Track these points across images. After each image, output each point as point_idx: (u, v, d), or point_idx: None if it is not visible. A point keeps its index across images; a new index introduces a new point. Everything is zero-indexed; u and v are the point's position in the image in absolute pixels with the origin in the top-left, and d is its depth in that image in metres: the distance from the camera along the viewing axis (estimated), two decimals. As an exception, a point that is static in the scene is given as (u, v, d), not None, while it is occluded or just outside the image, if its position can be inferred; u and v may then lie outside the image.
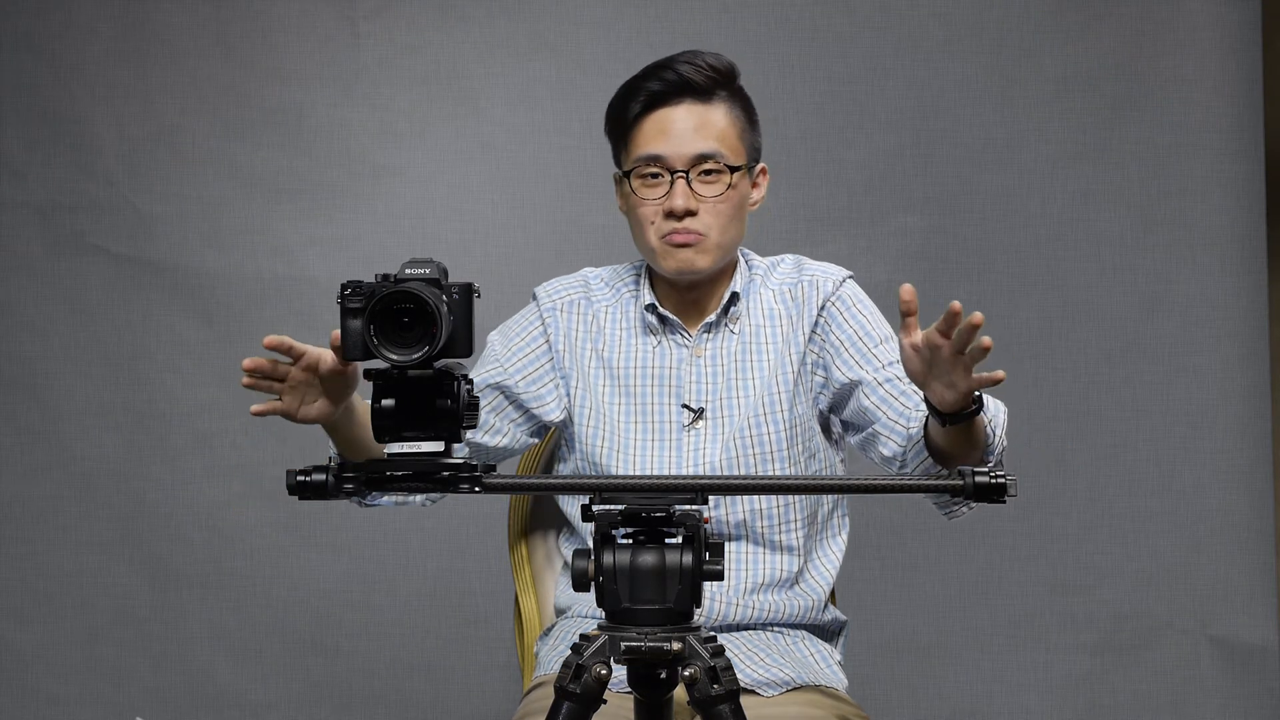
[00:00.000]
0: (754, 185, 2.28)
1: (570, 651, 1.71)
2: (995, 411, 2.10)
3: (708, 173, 2.21)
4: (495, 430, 2.27)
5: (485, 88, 3.45)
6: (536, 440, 2.33)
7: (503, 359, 2.29)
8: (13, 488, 3.40)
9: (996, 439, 2.08)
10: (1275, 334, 3.48)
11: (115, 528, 3.40)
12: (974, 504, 1.96)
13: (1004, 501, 1.68)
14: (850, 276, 2.32)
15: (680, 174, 2.20)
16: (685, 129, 2.21)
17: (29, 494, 3.40)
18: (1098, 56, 3.45)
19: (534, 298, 2.35)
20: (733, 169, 2.22)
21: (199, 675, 3.39)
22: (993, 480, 1.67)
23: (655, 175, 2.22)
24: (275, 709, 3.40)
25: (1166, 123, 3.45)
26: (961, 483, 1.68)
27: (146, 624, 3.40)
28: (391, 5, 3.45)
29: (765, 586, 2.25)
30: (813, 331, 2.27)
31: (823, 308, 2.28)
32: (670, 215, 2.20)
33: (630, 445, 2.24)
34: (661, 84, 2.23)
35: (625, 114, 2.26)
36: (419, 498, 2.17)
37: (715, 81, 2.23)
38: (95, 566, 3.40)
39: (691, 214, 2.20)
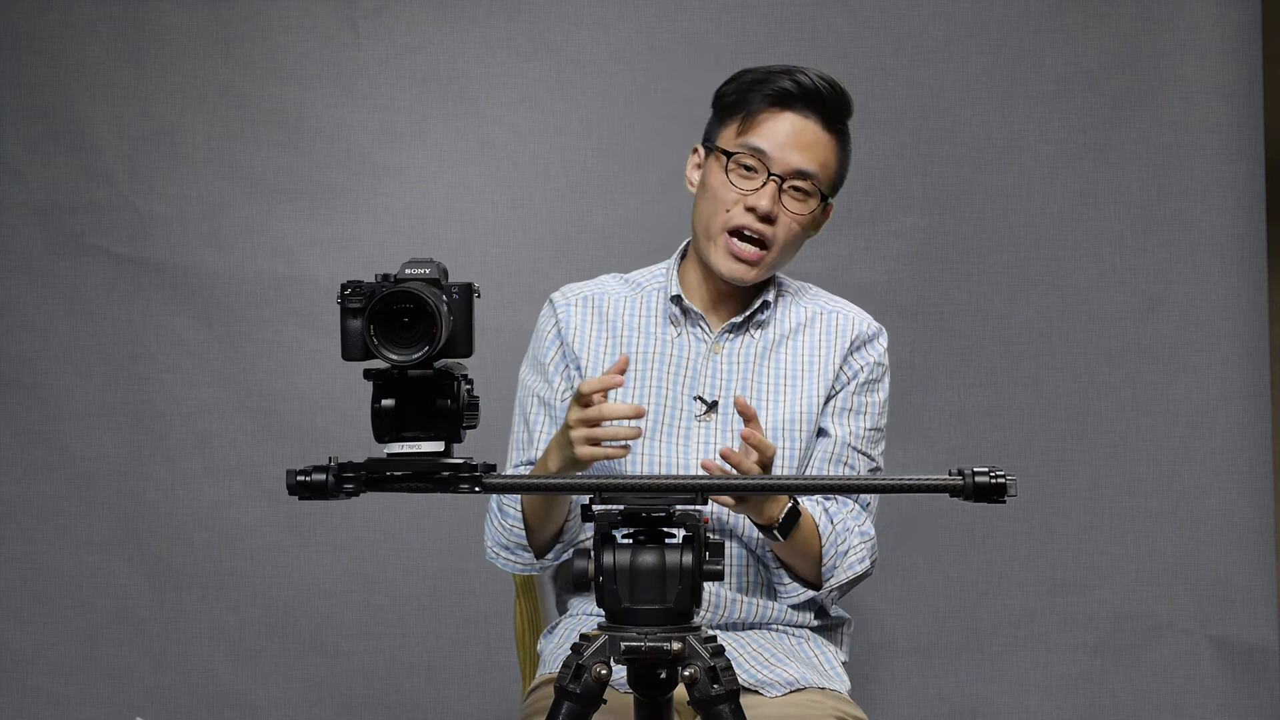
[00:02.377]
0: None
1: (570, 651, 1.71)
2: (837, 547, 2.22)
3: (799, 189, 2.23)
4: None
5: (485, 88, 3.45)
6: None
7: (540, 378, 2.32)
8: (13, 488, 3.40)
9: (833, 565, 2.21)
10: (1275, 334, 3.48)
11: (115, 528, 3.40)
12: (802, 593, 2.24)
13: (1004, 501, 1.68)
14: (883, 331, 2.37)
15: (775, 178, 2.22)
16: (800, 141, 2.24)
17: (29, 494, 3.40)
18: (1098, 56, 3.45)
19: (550, 302, 2.37)
20: (823, 196, 2.25)
21: (199, 675, 3.39)
22: (993, 480, 1.67)
23: (751, 168, 2.23)
24: (275, 709, 3.40)
25: (1166, 123, 3.45)
26: (961, 482, 1.68)
27: (146, 624, 3.40)
28: (391, 5, 3.45)
29: (764, 586, 2.26)
30: (840, 368, 2.29)
31: (855, 350, 2.30)
32: (750, 211, 2.21)
33: (640, 437, 2.25)
34: (797, 88, 2.24)
35: (749, 99, 2.26)
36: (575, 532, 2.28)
37: (842, 111, 2.28)
38: (95, 566, 3.40)
39: (770, 220, 2.22)
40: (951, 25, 3.46)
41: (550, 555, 2.26)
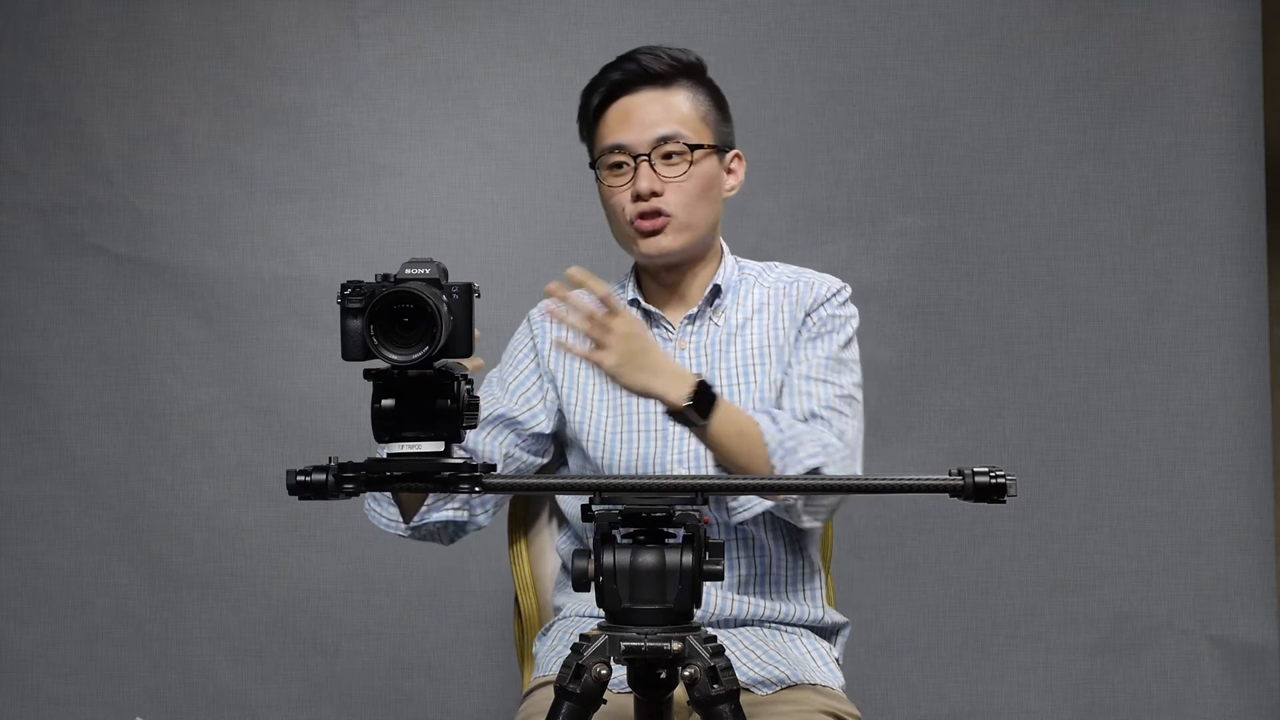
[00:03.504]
0: (729, 172, 2.31)
1: (570, 651, 1.71)
2: (785, 445, 2.10)
3: (670, 155, 2.24)
4: (510, 459, 2.29)
5: (485, 88, 3.45)
6: (543, 460, 2.34)
7: (502, 392, 2.32)
8: (13, 488, 3.40)
9: (784, 465, 2.09)
10: (1275, 334, 3.48)
11: (115, 528, 3.40)
12: (757, 503, 2.11)
13: (1004, 501, 1.68)
14: (845, 287, 2.33)
15: (643, 157, 2.23)
16: (646, 115, 2.25)
17: (29, 494, 3.40)
18: (1098, 56, 3.45)
19: (527, 319, 2.39)
20: (693, 148, 2.23)
21: (199, 675, 3.39)
22: (993, 480, 1.67)
23: (620, 165, 2.25)
24: (275, 709, 3.40)
25: (1166, 123, 3.45)
26: (961, 482, 1.68)
27: (146, 624, 3.40)
28: (391, 5, 3.45)
29: (758, 580, 2.25)
30: (798, 335, 2.28)
31: (811, 312, 2.29)
32: (637, 199, 2.23)
33: (616, 438, 2.25)
34: (622, 74, 2.26)
35: (589, 105, 2.30)
36: (464, 517, 2.23)
37: (676, 70, 2.27)
38: (95, 566, 3.40)
39: (657, 194, 2.23)
40: (951, 25, 3.46)
41: (415, 517, 2.23)
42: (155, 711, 3.38)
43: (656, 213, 2.24)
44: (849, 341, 2.29)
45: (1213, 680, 3.43)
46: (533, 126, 3.44)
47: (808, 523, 2.18)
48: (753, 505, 2.15)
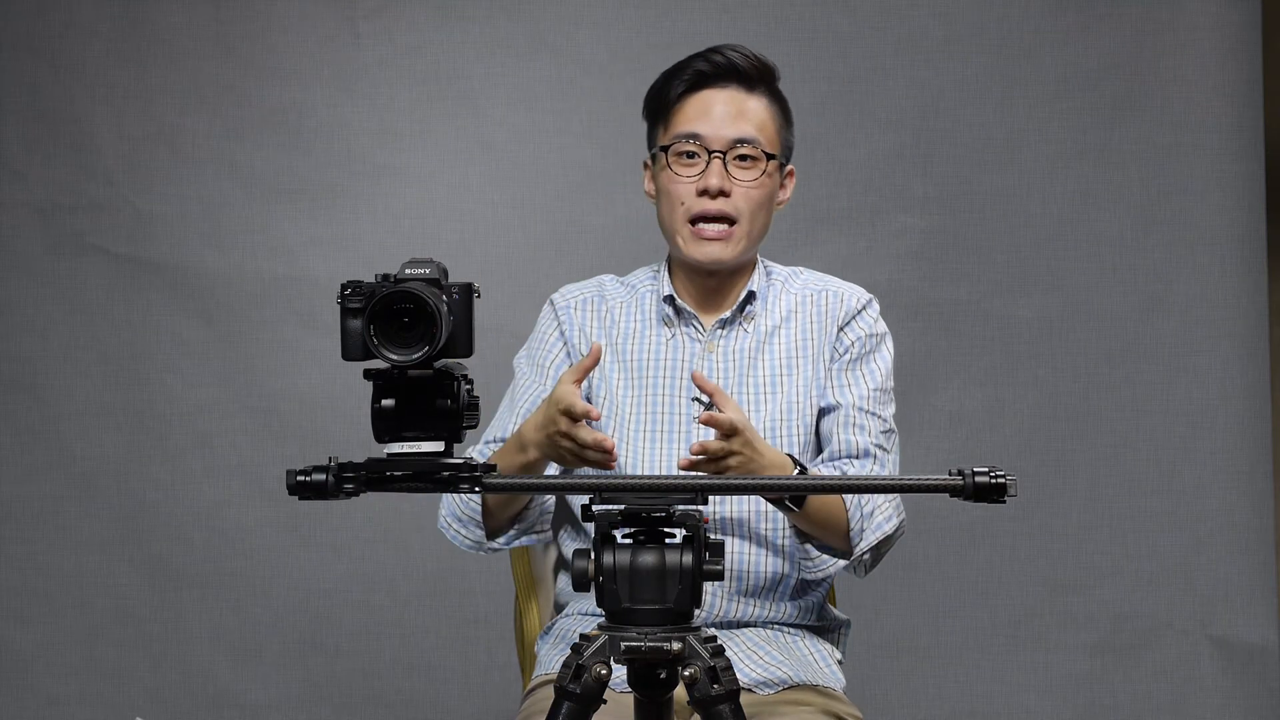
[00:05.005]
0: (781, 185, 2.31)
1: (570, 651, 1.72)
2: (862, 509, 2.17)
3: (744, 157, 2.23)
4: None
5: (485, 88, 3.45)
6: None
7: (542, 377, 2.30)
8: (13, 488, 3.40)
9: (860, 529, 2.16)
10: (1275, 334, 3.48)
11: (115, 528, 3.40)
12: (831, 564, 2.18)
13: (1004, 501, 1.68)
14: (874, 299, 2.34)
15: (717, 154, 2.22)
16: (727, 112, 2.24)
17: (29, 494, 3.40)
18: (1098, 56, 3.45)
19: (550, 303, 2.36)
20: (769, 156, 2.24)
21: (199, 675, 3.39)
22: (993, 480, 1.67)
23: (692, 155, 2.24)
24: (275, 709, 3.40)
25: (1166, 123, 3.45)
26: (961, 482, 1.68)
27: (146, 624, 3.40)
28: (391, 5, 3.45)
29: (766, 588, 2.25)
30: (835, 349, 2.28)
31: (845, 326, 2.29)
32: (703, 194, 2.22)
33: (640, 436, 2.24)
34: (709, 65, 2.25)
35: (668, 92, 2.27)
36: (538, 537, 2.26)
37: (760, 74, 2.27)
38: (95, 566, 3.40)
39: (725, 195, 2.22)
40: (951, 25, 3.46)
41: (502, 539, 2.24)
42: (155, 711, 3.38)
43: (722, 218, 2.23)
44: (890, 364, 2.31)
45: (1213, 680, 3.43)
46: (533, 126, 3.44)
47: (864, 575, 2.25)
48: (826, 565, 2.20)
